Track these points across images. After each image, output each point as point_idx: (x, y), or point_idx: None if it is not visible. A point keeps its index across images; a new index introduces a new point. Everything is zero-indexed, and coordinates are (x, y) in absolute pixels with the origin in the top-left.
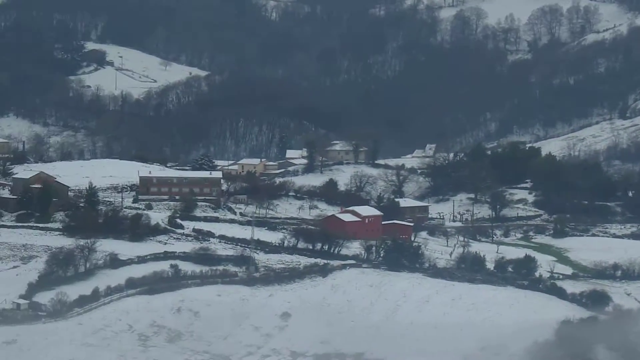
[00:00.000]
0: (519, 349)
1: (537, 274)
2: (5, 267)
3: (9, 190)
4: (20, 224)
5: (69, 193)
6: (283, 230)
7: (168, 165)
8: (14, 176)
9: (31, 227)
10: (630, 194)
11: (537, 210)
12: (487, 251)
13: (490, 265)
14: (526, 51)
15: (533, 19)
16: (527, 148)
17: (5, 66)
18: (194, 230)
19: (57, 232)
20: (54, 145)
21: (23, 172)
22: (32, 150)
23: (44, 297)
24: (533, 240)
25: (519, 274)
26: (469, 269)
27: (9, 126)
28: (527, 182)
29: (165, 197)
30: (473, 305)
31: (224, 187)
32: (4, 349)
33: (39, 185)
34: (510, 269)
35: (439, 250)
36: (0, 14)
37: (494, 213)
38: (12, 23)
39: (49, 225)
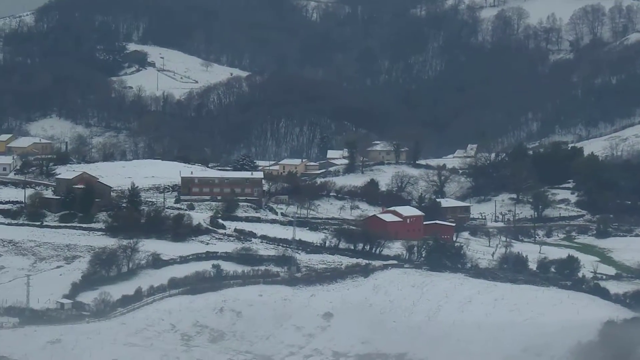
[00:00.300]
0: (562, 349)
1: (580, 275)
2: (49, 267)
3: (52, 190)
4: (64, 224)
5: (112, 193)
6: (324, 231)
7: (209, 165)
8: (57, 177)
9: (74, 228)
10: None
11: (579, 210)
12: (530, 251)
13: (532, 266)
14: (568, 51)
15: (575, 18)
16: (569, 148)
17: (48, 67)
18: (236, 230)
19: (100, 232)
20: (96, 146)
21: (66, 172)
22: (74, 150)
23: (88, 297)
24: (576, 240)
25: (562, 275)
26: (512, 270)
27: (51, 127)
28: (569, 182)
29: (207, 197)
30: (515, 305)
31: (265, 187)
32: (48, 349)
33: (82, 186)
34: (552, 270)
35: (481, 251)
36: (43, 16)
37: (536, 213)
38: (54, 24)
39: (92, 225)
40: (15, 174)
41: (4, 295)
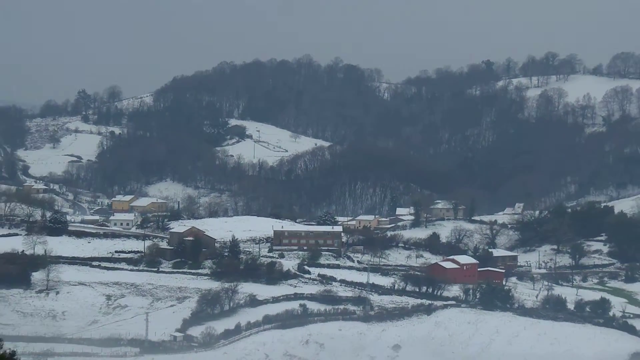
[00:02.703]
0: None
1: (611, 314)
2: (164, 305)
3: (166, 242)
4: (176, 270)
5: (216, 244)
6: (394, 276)
7: (297, 220)
8: (170, 230)
9: (185, 273)
10: None
11: (610, 259)
12: (568, 294)
13: (570, 306)
14: (601, 125)
15: (607, 97)
16: (602, 207)
17: (164, 139)
18: (319, 275)
19: (206, 277)
20: (203, 205)
21: (178, 227)
22: (185, 209)
23: (196, 331)
24: (607, 285)
25: (596, 314)
26: (553, 309)
27: (166, 189)
28: (602, 236)
29: (295, 247)
30: (556, 339)
31: (344, 239)
32: None
33: (191, 238)
34: (587, 309)
35: (527, 293)
36: (160, 96)
37: (573, 261)
38: (169, 104)
39: (199, 271)
40: (136, 228)
41: (128, 329)
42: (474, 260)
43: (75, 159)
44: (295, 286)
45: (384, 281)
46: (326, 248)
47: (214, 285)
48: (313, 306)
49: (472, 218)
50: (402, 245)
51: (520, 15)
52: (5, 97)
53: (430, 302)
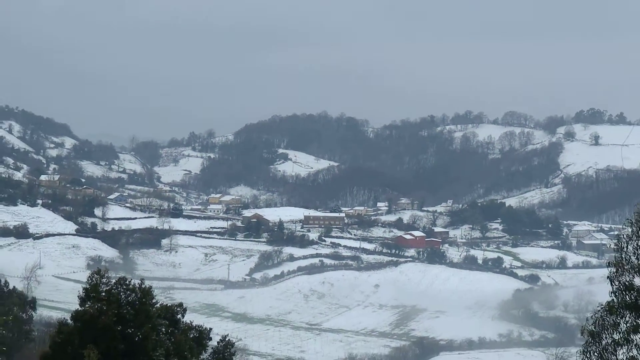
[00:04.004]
0: (494, 303)
1: (503, 266)
2: (239, 260)
3: (240, 222)
4: (246, 239)
5: (270, 223)
6: (375, 243)
7: (318, 209)
8: (243, 215)
9: (251, 241)
10: (550, 226)
11: (503, 233)
12: (478, 254)
13: (479, 261)
14: (498, 154)
15: (501, 137)
16: (498, 202)
17: (240, 161)
18: (331, 242)
19: (264, 243)
20: (262, 200)
21: (247, 213)
22: (252, 202)
23: (257, 275)
24: (501, 248)
25: (495, 266)
26: (469, 263)
27: (241, 190)
28: (498, 219)
29: (317, 226)
30: (471, 281)
31: (346, 221)
32: (238, 301)
33: (255, 220)
34: (490, 263)
35: (454, 254)
36: (238, 135)
37: (481, 235)
38: (243, 139)
39: (260, 239)
40: (223, 214)
41: (217, 274)
42: (423, 234)
43: (187, 172)
44: (317, 249)
45: (370, 246)
46: (335, 226)
47: (268, 248)
48: (327, 261)
49: (422, 209)
50: (381, 225)
51: (451, 84)
52: (148, 135)
53: (397, 259)
